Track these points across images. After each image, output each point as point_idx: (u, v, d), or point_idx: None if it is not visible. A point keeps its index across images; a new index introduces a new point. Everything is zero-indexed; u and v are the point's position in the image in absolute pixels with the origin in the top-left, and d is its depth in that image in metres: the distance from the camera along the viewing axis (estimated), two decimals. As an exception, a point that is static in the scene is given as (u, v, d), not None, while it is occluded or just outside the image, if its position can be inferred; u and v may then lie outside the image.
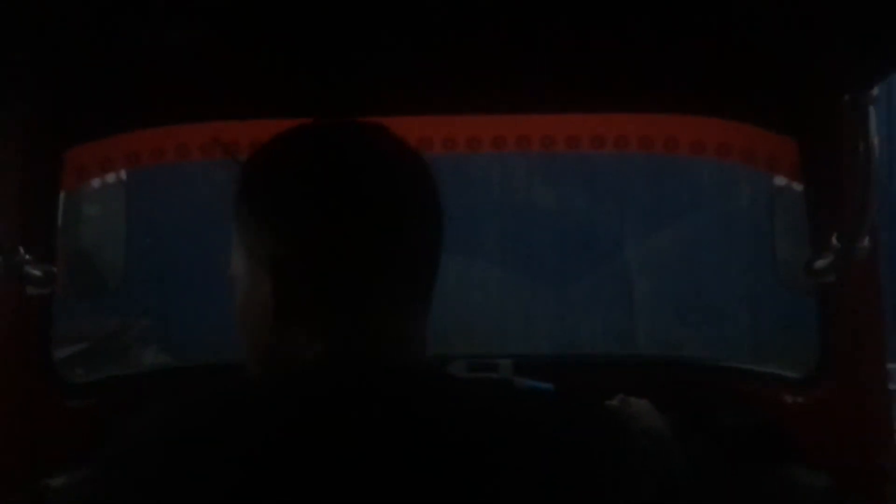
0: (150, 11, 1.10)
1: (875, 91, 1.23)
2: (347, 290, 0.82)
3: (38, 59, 1.22)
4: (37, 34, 1.13)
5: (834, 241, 1.30)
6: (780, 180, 1.57)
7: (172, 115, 1.49)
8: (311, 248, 0.81)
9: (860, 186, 1.25)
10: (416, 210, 0.85)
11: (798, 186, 1.48)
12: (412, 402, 0.76)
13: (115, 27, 1.15)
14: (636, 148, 1.61)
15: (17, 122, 1.36)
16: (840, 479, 1.40)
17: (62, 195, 1.47)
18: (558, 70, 1.36)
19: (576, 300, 5.85)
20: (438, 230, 0.87)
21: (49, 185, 1.43)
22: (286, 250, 0.82)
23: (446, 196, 0.87)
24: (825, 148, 1.37)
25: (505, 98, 1.44)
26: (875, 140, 1.23)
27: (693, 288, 5.30)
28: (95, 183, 1.58)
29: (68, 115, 1.40)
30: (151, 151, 1.57)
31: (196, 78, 1.35)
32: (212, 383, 0.82)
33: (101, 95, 1.38)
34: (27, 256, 1.35)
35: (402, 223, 0.83)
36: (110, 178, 1.61)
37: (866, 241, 1.28)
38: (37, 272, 1.37)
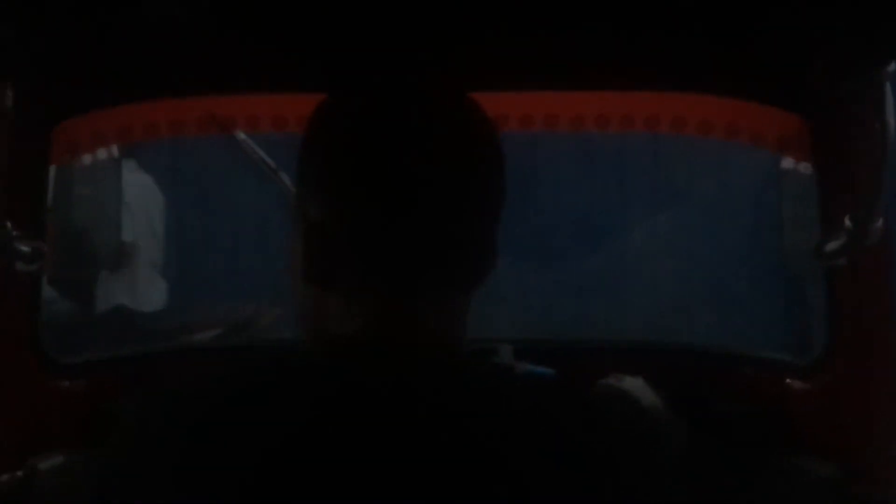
0: None
1: (891, 67, 1.20)
2: (384, 264, 0.78)
3: (26, 30, 1.19)
4: (24, 5, 1.10)
5: (847, 222, 1.28)
6: (787, 162, 1.54)
7: (165, 89, 1.46)
8: (346, 215, 0.77)
9: (875, 166, 1.23)
10: (471, 188, 0.79)
11: (806, 168, 1.46)
12: (440, 394, 0.74)
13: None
14: (642, 127, 1.58)
15: (6, 93, 1.33)
16: (846, 467, 1.38)
17: (52, 170, 1.44)
18: (562, 47, 1.33)
19: (576, 284, 5.84)
20: (496, 209, 0.82)
21: (38, 159, 1.41)
22: (322, 214, 0.78)
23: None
24: (838, 127, 1.34)
25: (511, 75, 1.41)
26: (891, 119, 1.20)
27: (697, 272, 5.29)
28: (87, 159, 1.56)
29: (58, 88, 1.38)
30: (145, 126, 1.55)
31: (190, 50, 1.32)
32: (202, 367, 0.80)
33: (91, 68, 1.35)
34: (15, 232, 1.33)
35: (453, 202, 0.78)
36: (102, 153, 1.58)
37: (880, 223, 1.25)
38: (25, 248, 1.35)
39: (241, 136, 1.70)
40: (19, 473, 1.38)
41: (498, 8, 1.17)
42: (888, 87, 1.21)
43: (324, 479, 0.69)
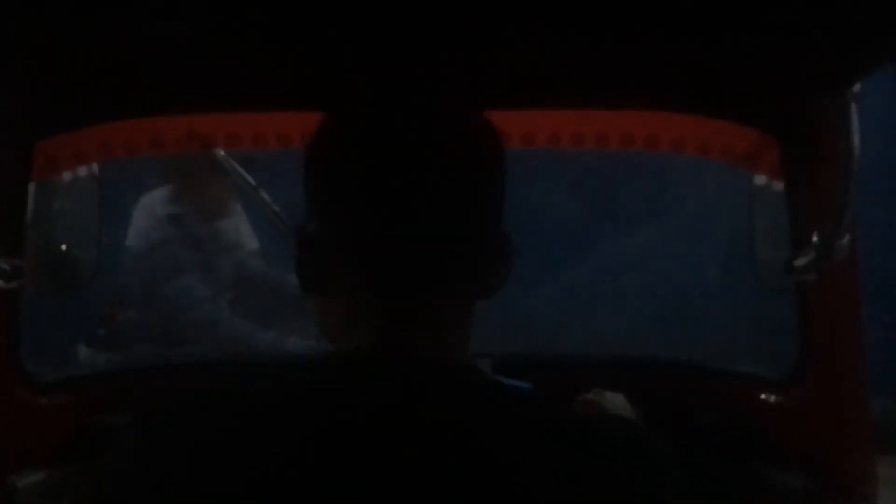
0: (126, 2, 1.08)
1: (857, 88, 1.23)
2: (383, 272, 0.78)
3: (10, 48, 1.19)
4: (9, 24, 1.11)
5: (815, 239, 1.30)
6: (759, 179, 1.57)
7: (147, 107, 1.46)
8: (350, 226, 0.78)
9: (841, 185, 1.25)
10: (473, 199, 0.79)
11: (777, 185, 1.48)
12: (443, 409, 0.73)
13: (89, 17, 1.12)
14: (617, 145, 1.61)
15: None
16: (817, 479, 1.40)
17: (32, 187, 1.44)
18: (538, 66, 1.35)
19: (554, 299, 5.85)
20: (498, 214, 0.81)
21: (19, 176, 1.40)
22: (319, 224, 0.79)
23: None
24: (806, 146, 1.37)
25: (491, 93, 1.42)
26: (856, 138, 1.23)
27: (671, 287, 5.33)
28: (67, 176, 1.55)
29: (40, 105, 1.38)
30: (125, 144, 1.55)
31: (172, 70, 1.32)
32: (184, 381, 0.80)
33: (73, 86, 1.36)
34: None
35: (456, 212, 0.78)
36: (82, 170, 1.58)
37: (846, 240, 1.28)
38: (4, 266, 1.35)
39: (221, 153, 1.70)
40: (2, 491, 1.37)
41: (487, 28, 1.18)
42: (853, 108, 1.24)
43: (326, 494, 0.68)
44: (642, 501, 0.72)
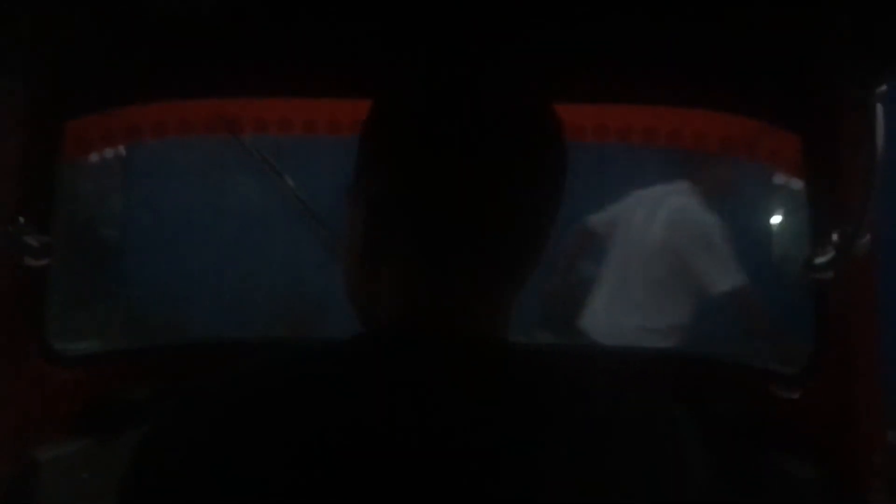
0: None
1: (882, 88, 1.22)
2: (440, 241, 0.76)
3: (42, 29, 1.21)
4: (42, 3, 1.12)
5: (834, 237, 1.30)
6: (779, 177, 1.57)
7: (176, 90, 1.47)
8: (410, 188, 0.76)
9: (863, 184, 1.25)
10: (536, 172, 0.78)
11: (797, 183, 1.48)
12: (482, 386, 0.73)
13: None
14: (640, 139, 1.61)
15: (19, 91, 1.35)
16: (829, 472, 1.41)
17: (62, 167, 1.46)
18: (562, 60, 1.36)
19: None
20: (555, 199, 0.80)
21: (49, 155, 1.42)
22: (384, 186, 0.77)
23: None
24: (829, 145, 1.36)
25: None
26: (881, 137, 1.23)
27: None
28: (96, 157, 1.57)
29: (71, 86, 1.39)
30: (153, 126, 1.57)
31: (201, 53, 1.34)
32: (208, 360, 0.80)
33: (104, 68, 1.37)
34: (25, 227, 1.35)
35: (516, 182, 0.76)
36: (110, 152, 1.60)
37: (867, 238, 1.28)
38: (34, 242, 1.37)
39: (247, 138, 1.72)
40: (22, 464, 1.39)
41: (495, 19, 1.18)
42: (879, 108, 1.23)
43: (355, 475, 0.68)
44: (667, 490, 0.72)
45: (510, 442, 0.70)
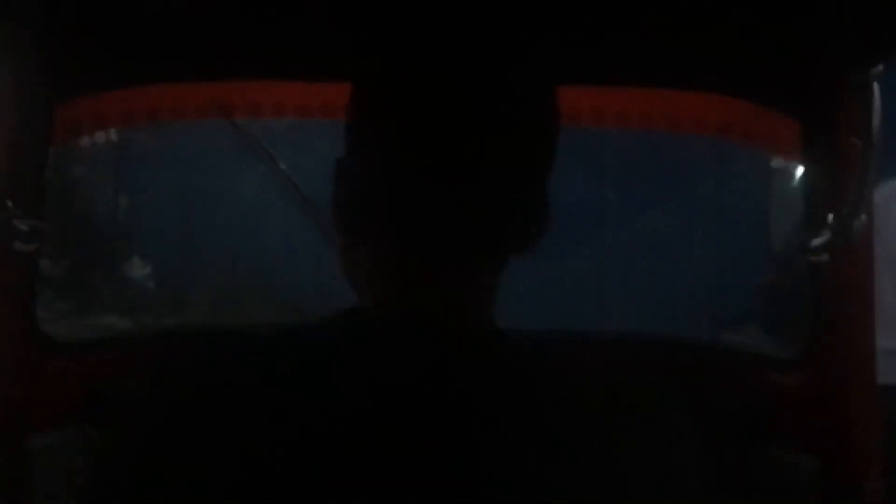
0: None
1: (879, 68, 1.22)
2: (424, 221, 0.74)
3: (35, 9, 1.19)
4: None
5: (830, 219, 1.30)
6: (777, 160, 1.57)
7: (169, 73, 1.46)
8: (392, 167, 0.74)
9: (860, 166, 1.25)
10: (524, 154, 0.75)
11: (794, 166, 1.48)
12: (476, 372, 0.71)
13: None
14: (637, 124, 1.60)
15: (10, 73, 1.34)
16: (825, 461, 1.40)
17: (53, 150, 1.45)
18: (555, 41, 1.35)
19: (562, 276, 5.86)
20: (542, 182, 0.78)
21: (40, 138, 1.41)
22: (367, 164, 0.75)
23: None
24: (826, 127, 1.36)
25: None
26: (877, 119, 1.23)
27: (684, 267, 5.32)
28: (88, 140, 1.56)
29: (62, 68, 1.38)
30: (146, 110, 1.56)
31: (195, 36, 1.33)
32: (200, 346, 0.79)
33: (97, 49, 1.36)
34: (15, 211, 1.34)
35: (504, 165, 0.74)
36: (102, 135, 1.59)
37: (862, 220, 1.28)
38: (24, 227, 1.35)
39: (241, 121, 1.71)
40: (14, 452, 1.38)
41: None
42: (875, 89, 1.23)
43: (344, 463, 0.67)
44: (657, 474, 0.72)
45: (498, 431, 0.69)
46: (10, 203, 1.33)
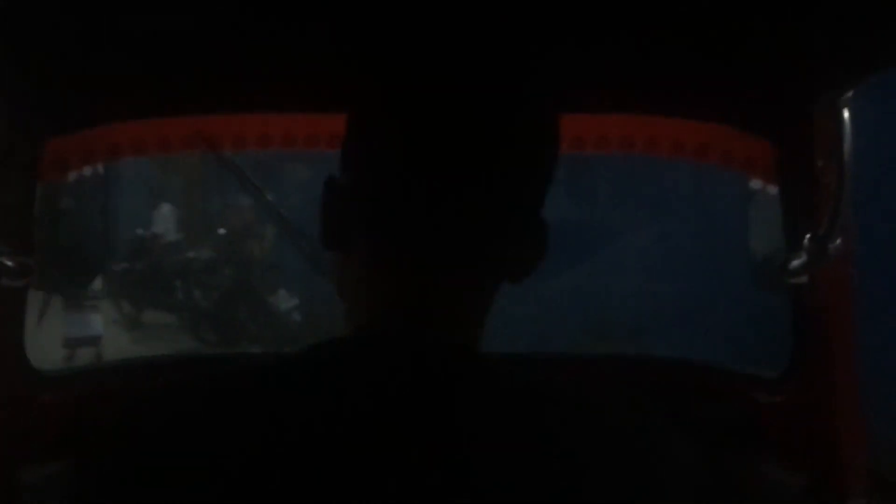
0: (136, 2, 1.09)
1: (849, 94, 1.25)
2: (407, 233, 0.73)
3: (21, 47, 1.21)
4: (20, 23, 1.13)
5: (806, 241, 1.33)
6: (755, 182, 1.59)
7: (156, 108, 1.48)
8: (377, 179, 0.74)
9: (833, 188, 1.27)
10: (518, 174, 0.74)
11: (772, 188, 1.50)
12: (464, 393, 0.71)
13: (99, 17, 1.14)
14: (617, 148, 1.62)
15: None
16: (812, 477, 1.42)
17: (40, 186, 1.46)
18: (542, 71, 1.36)
19: (551, 298, 5.87)
20: (535, 199, 0.77)
21: (27, 175, 1.42)
22: (350, 176, 0.75)
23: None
24: (800, 150, 1.39)
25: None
26: (848, 143, 1.25)
27: (668, 286, 5.35)
28: (73, 175, 1.57)
29: (48, 105, 1.39)
30: (133, 144, 1.57)
31: (181, 71, 1.34)
32: (188, 375, 0.80)
33: (82, 87, 1.37)
34: (2, 248, 1.34)
35: (496, 183, 0.73)
36: (89, 170, 1.59)
37: (839, 242, 1.30)
38: (12, 263, 1.36)
39: (227, 154, 1.72)
40: (6, 485, 1.38)
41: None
42: (846, 114, 1.26)
43: (328, 483, 0.67)
44: (644, 491, 0.72)
45: (489, 452, 0.69)
46: None
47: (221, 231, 8.40)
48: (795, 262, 1.36)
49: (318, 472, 0.67)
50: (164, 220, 9.14)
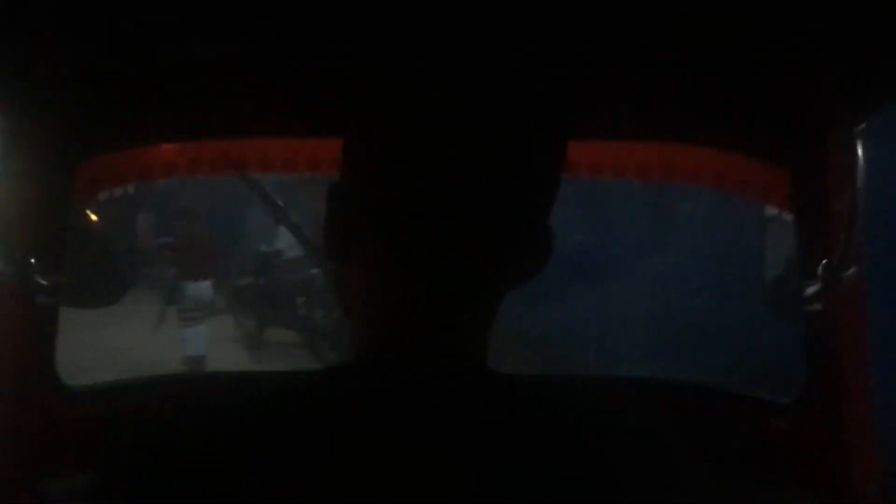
0: (168, 27, 1.13)
1: (863, 125, 1.27)
2: (411, 241, 0.72)
3: (55, 70, 1.25)
4: (55, 47, 1.17)
5: (820, 269, 1.34)
6: (770, 210, 1.61)
7: (184, 133, 1.51)
8: (372, 177, 0.73)
9: (848, 217, 1.29)
10: (525, 179, 0.73)
11: (787, 216, 1.52)
12: (474, 409, 0.70)
13: (130, 41, 1.17)
14: (633, 175, 1.64)
15: (32, 131, 1.39)
16: (823, 501, 1.42)
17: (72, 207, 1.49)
18: (549, 97, 1.38)
19: (565, 321, 5.86)
20: (545, 209, 0.76)
21: (60, 195, 1.45)
22: (353, 183, 0.74)
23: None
24: (815, 179, 1.40)
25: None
26: (861, 174, 1.27)
27: (682, 311, 5.33)
28: (106, 196, 1.60)
29: (83, 127, 1.43)
30: (162, 165, 1.60)
31: (212, 94, 1.38)
32: (214, 392, 0.81)
33: (116, 109, 1.41)
34: (37, 267, 1.38)
35: (502, 190, 0.72)
36: (119, 191, 1.63)
37: (853, 270, 1.32)
38: (44, 282, 1.40)
39: (253, 176, 1.75)
40: (32, 499, 1.41)
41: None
42: (859, 144, 1.28)
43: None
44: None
45: (492, 469, 0.69)
46: (32, 260, 1.37)
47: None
48: (810, 290, 1.37)
49: (341, 495, 0.67)
50: (287, 237, 8.81)
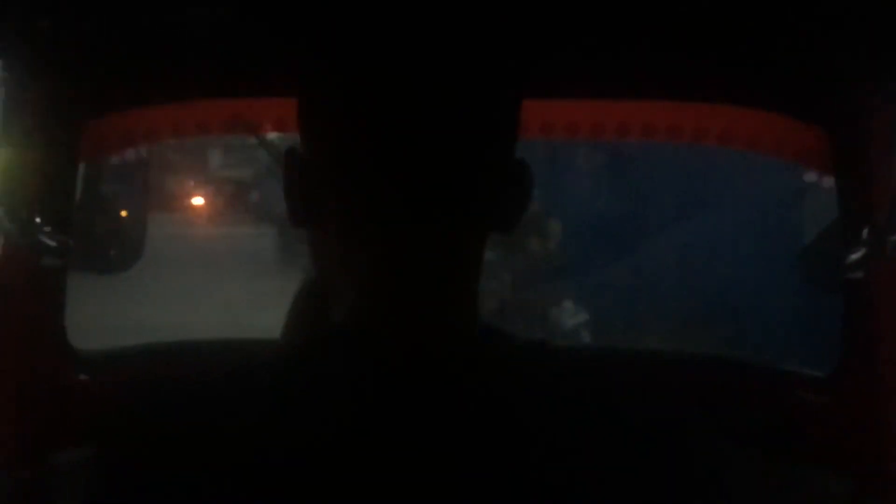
0: None
1: None
2: (380, 194, 0.69)
3: (62, 29, 1.22)
4: (62, 5, 1.14)
5: (864, 234, 1.29)
6: (809, 174, 1.55)
7: (196, 90, 1.48)
8: (339, 142, 0.70)
9: (892, 179, 1.24)
10: (487, 113, 0.70)
11: (828, 180, 1.47)
12: (467, 370, 0.68)
13: (137, 5, 1.15)
14: (664, 137, 1.59)
15: (38, 91, 1.37)
16: (858, 481, 1.38)
17: (81, 167, 1.47)
18: (588, 55, 1.34)
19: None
20: (511, 142, 0.72)
21: (68, 155, 1.43)
22: (311, 143, 0.71)
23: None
24: (858, 139, 1.35)
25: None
26: None
27: (717, 283, 5.29)
28: (115, 157, 1.58)
29: (90, 86, 1.40)
30: (172, 127, 1.57)
31: (221, 53, 1.35)
32: (225, 358, 0.79)
33: (123, 68, 1.39)
34: (43, 227, 1.36)
35: (466, 127, 0.68)
36: (130, 152, 1.61)
37: None
38: (52, 242, 1.38)
39: (266, 136, 1.72)
40: (40, 468, 1.40)
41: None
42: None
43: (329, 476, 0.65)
44: (684, 492, 0.70)
45: (487, 436, 0.67)
46: (38, 219, 1.35)
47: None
48: (853, 256, 1.33)
49: (337, 467, 0.65)
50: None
